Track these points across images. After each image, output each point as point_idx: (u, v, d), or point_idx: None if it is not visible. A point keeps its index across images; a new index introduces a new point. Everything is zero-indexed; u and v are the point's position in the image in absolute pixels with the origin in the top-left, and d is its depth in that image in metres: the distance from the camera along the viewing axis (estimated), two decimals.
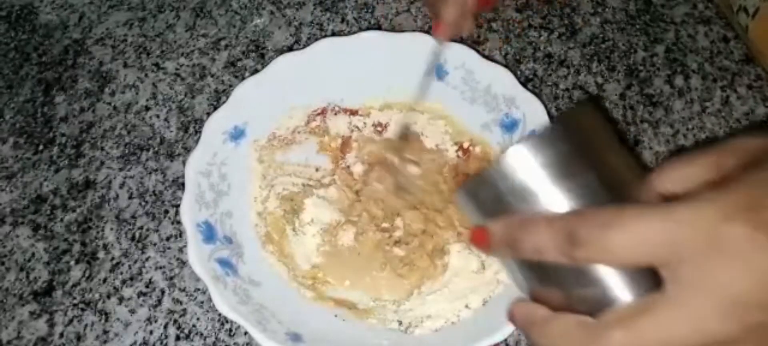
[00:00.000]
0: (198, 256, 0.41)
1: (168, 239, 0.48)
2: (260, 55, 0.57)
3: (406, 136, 0.50)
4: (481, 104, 0.49)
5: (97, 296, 0.46)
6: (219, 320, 0.45)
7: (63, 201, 0.50)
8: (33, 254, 0.48)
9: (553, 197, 0.28)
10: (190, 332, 0.45)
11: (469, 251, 0.45)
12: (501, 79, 0.47)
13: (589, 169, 0.28)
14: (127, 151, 0.52)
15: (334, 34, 0.57)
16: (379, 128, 0.51)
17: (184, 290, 0.46)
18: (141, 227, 0.49)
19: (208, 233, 0.43)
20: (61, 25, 0.59)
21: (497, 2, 0.49)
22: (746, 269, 0.25)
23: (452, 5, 0.45)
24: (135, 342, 0.44)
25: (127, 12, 0.60)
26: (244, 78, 0.51)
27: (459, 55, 0.48)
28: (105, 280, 0.47)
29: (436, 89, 0.50)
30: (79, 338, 0.45)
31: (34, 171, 0.51)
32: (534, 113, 0.46)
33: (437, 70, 0.49)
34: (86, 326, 0.45)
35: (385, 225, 0.47)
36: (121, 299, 0.46)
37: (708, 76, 0.54)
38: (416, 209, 0.47)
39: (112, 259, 0.47)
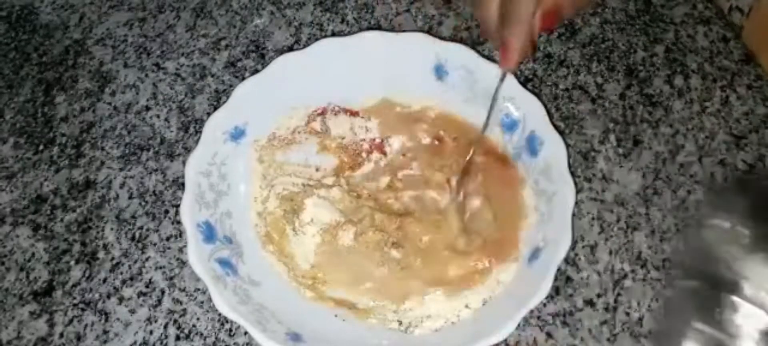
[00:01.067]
0: (198, 256, 0.41)
1: (168, 239, 0.48)
2: (260, 55, 0.57)
3: (467, 169, 0.47)
4: (481, 104, 0.49)
5: (97, 296, 0.46)
6: (219, 320, 0.45)
7: (63, 201, 0.50)
8: (33, 254, 0.48)
9: None
10: (190, 332, 0.45)
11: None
12: None
13: None
14: (127, 151, 0.52)
15: (334, 34, 0.57)
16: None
17: (184, 290, 0.46)
18: (141, 227, 0.49)
19: (208, 233, 0.43)
20: (61, 25, 0.59)
21: (561, 20, 0.42)
22: None
23: (520, 30, 0.39)
24: (135, 342, 0.44)
25: (127, 12, 0.60)
26: (244, 78, 0.51)
27: (459, 55, 0.48)
28: (105, 280, 0.47)
29: (436, 89, 0.50)
30: (79, 338, 0.45)
31: (34, 171, 0.51)
32: (534, 113, 0.46)
33: (437, 70, 0.49)
34: (86, 326, 0.45)
35: (384, 226, 0.47)
36: (121, 299, 0.46)
37: (708, 76, 0.54)
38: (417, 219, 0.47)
39: (112, 259, 0.47)
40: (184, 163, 0.46)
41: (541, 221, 0.44)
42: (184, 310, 0.45)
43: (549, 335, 0.44)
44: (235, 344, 0.44)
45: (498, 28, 0.41)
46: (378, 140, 0.50)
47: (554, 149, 0.44)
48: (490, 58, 0.49)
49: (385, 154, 0.50)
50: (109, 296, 0.46)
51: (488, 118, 0.46)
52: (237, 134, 0.47)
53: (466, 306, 0.43)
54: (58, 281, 0.47)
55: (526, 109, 0.46)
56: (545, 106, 0.45)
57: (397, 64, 0.49)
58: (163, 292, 0.46)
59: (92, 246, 0.48)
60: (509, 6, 0.39)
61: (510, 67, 0.42)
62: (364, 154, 0.50)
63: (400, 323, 0.44)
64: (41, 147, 0.53)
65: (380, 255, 0.46)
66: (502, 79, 0.44)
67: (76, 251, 0.48)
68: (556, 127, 0.45)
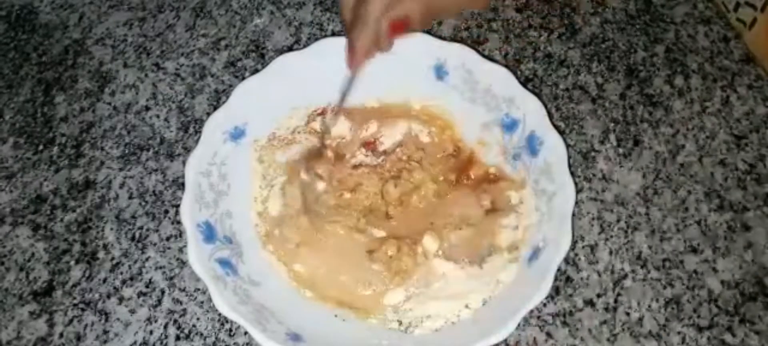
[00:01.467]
0: (198, 256, 0.41)
1: (168, 239, 0.48)
2: (260, 55, 0.57)
3: (320, 151, 0.49)
4: (481, 104, 0.49)
5: (97, 296, 0.46)
6: (219, 320, 0.45)
7: (63, 201, 0.50)
8: (33, 254, 0.48)
9: None
10: (190, 332, 0.45)
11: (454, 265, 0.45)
12: (501, 79, 0.47)
13: None
14: (127, 151, 0.52)
15: (334, 34, 0.57)
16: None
17: (184, 290, 0.46)
18: (141, 227, 0.49)
19: (208, 233, 0.43)
20: (61, 25, 0.59)
21: (408, 31, 0.46)
22: None
23: (364, 34, 0.44)
24: (135, 342, 0.44)
25: (127, 12, 0.60)
26: (244, 78, 0.51)
27: (459, 55, 0.48)
28: (105, 280, 0.47)
29: (436, 89, 0.50)
30: (79, 338, 0.45)
31: (34, 171, 0.51)
32: (534, 113, 0.46)
33: (437, 70, 0.49)
34: (86, 326, 0.45)
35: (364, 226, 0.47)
36: (121, 299, 0.46)
37: (708, 76, 0.54)
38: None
39: (112, 259, 0.47)
40: (183, 163, 0.46)
41: (541, 221, 0.44)
42: (184, 310, 0.45)
43: (549, 335, 0.44)
44: (235, 344, 0.44)
45: (349, 31, 0.45)
46: (373, 138, 0.50)
47: (554, 149, 0.44)
48: (490, 58, 0.49)
49: (378, 151, 0.50)
50: (109, 296, 0.46)
51: (341, 100, 0.48)
52: (237, 134, 0.47)
53: (466, 306, 0.43)
54: (58, 281, 0.47)
55: (526, 109, 0.46)
56: (545, 106, 0.45)
57: (397, 64, 0.49)
58: (163, 292, 0.46)
59: (92, 246, 0.48)
60: (358, 12, 0.44)
61: (353, 66, 0.46)
62: (358, 151, 0.50)
63: (400, 323, 0.44)
64: (41, 147, 0.53)
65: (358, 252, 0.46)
66: (350, 78, 0.47)
67: (76, 251, 0.48)
68: (556, 127, 0.45)
